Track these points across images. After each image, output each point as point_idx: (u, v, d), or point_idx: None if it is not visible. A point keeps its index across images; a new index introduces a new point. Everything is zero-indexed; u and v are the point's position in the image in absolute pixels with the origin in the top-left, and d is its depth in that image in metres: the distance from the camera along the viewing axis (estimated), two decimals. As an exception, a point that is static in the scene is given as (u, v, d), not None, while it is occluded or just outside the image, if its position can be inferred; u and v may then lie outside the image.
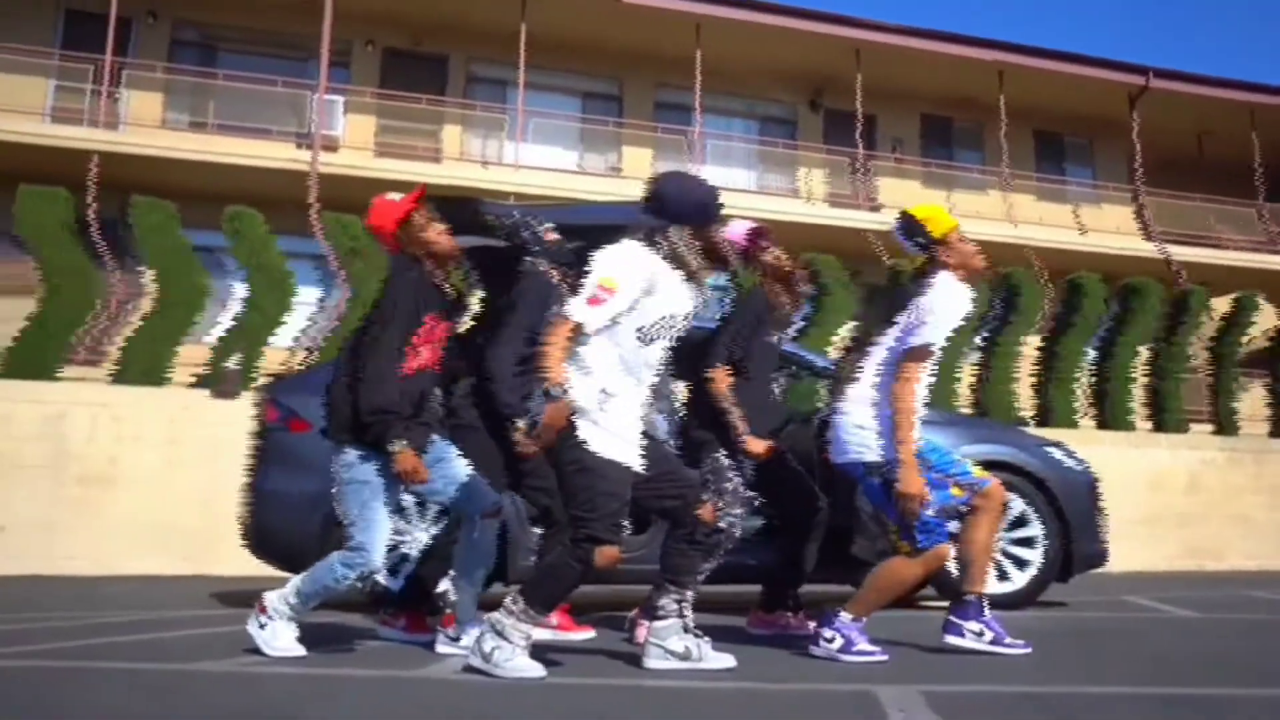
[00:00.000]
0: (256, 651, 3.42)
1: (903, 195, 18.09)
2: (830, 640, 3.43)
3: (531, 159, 16.18)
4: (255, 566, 8.29)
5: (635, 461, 3.08)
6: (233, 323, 11.28)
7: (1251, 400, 16.06)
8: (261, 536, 5.47)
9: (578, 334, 3.03)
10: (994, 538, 3.78)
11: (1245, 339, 15.25)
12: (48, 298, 10.42)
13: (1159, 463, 12.85)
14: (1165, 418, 14.05)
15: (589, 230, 5.39)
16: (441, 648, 3.65)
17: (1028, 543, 5.79)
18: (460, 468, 3.61)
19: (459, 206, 5.45)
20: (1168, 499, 12.55)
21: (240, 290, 13.62)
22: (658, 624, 3.27)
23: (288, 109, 15.26)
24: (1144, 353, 14.24)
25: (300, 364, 13.71)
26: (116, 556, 9.18)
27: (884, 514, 3.60)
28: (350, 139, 15.47)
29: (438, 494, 3.62)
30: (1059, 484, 5.89)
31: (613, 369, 3.07)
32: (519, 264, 4.48)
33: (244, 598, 6.32)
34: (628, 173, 17.00)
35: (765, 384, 4.51)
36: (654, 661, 3.23)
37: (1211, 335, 14.93)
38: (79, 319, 10.61)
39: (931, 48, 17.43)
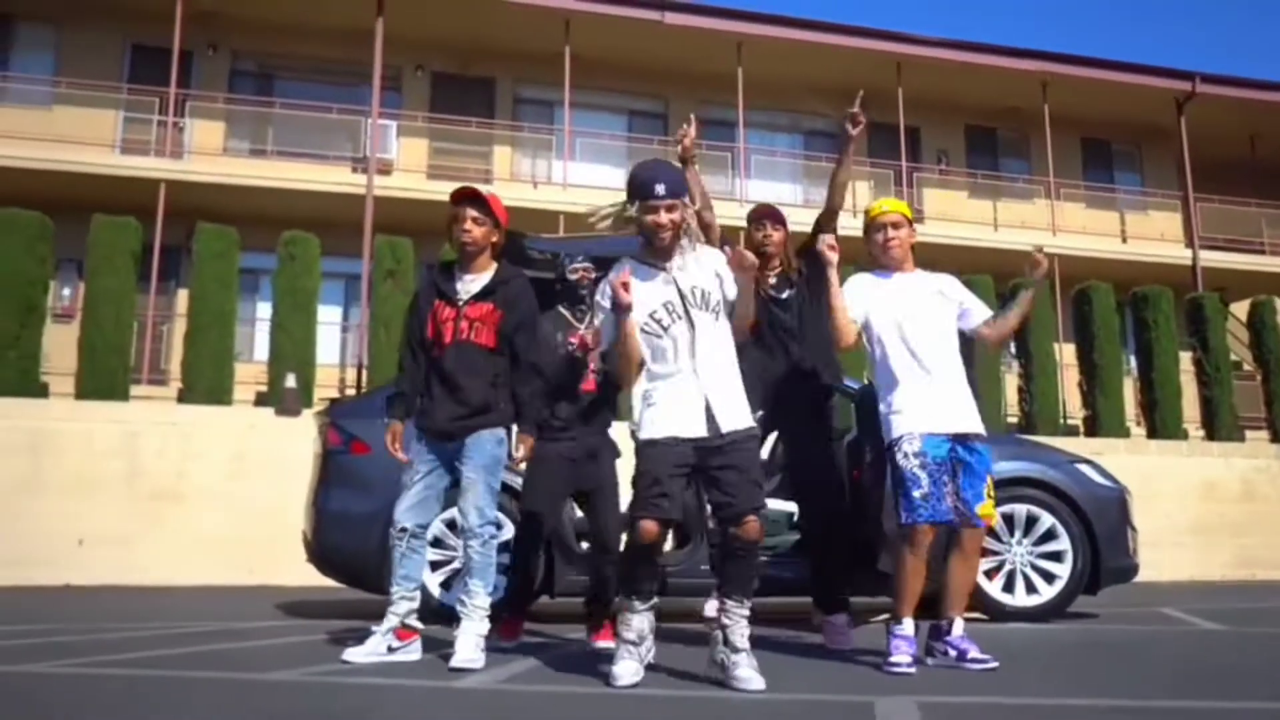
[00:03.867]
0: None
1: (948, 206, 18.20)
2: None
3: (580, 178, 16.54)
4: (315, 578, 8.74)
5: (672, 448, 3.35)
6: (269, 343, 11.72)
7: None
8: (325, 554, 5.83)
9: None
10: (972, 572, 3.99)
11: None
12: (85, 321, 10.97)
13: (1212, 471, 12.77)
14: (1217, 425, 13.99)
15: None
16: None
17: (1056, 557, 5.97)
18: (466, 488, 3.95)
19: (505, 240, 5.79)
20: (1221, 508, 12.49)
21: (263, 311, 14.21)
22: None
23: (342, 134, 15.80)
24: (1186, 360, 14.23)
25: (352, 383, 14.26)
26: (184, 568, 9.65)
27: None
28: (403, 162, 15.99)
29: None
30: (1087, 500, 6.04)
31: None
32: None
33: (307, 608, 6.72)
34: (673, 189, 17.30)
35: None
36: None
37: (1250, 341, 14.90)
38: (120, 340, 11.06)
39: (973, 59, 17.49)
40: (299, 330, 11.43)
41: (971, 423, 3.92)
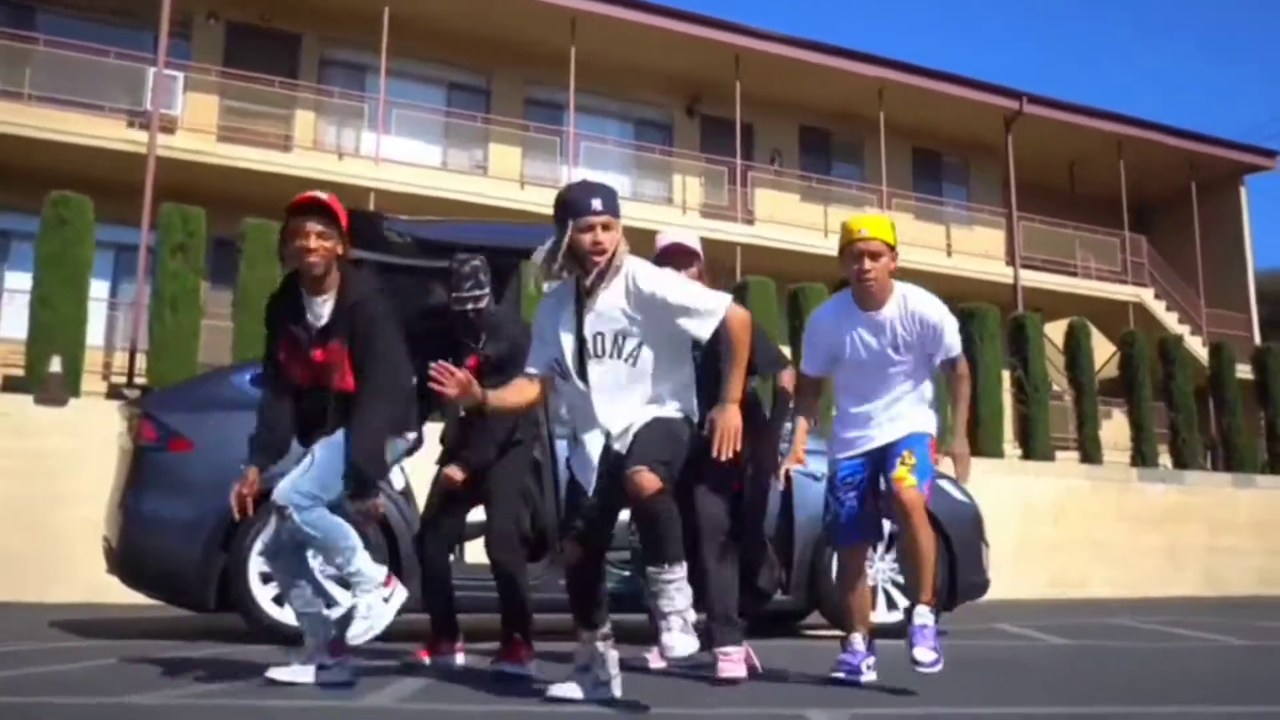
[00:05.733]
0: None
1: (779, 208, 18.98)
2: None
3: (392, 152, 16.21)
4: (89, 592, 8.20)
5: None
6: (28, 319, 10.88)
7: (1113, 428, 17.58)
8: (133, 564, 5.49)
9: None
10: (913, 550, 3.91)
11: (1099, 368, 16.76)
12: None
13: (1027, 491, 13.86)
14: (1034, 444, 15.21)
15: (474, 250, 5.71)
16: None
17: (916, 572, 6.39)
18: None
19: (363, 221, 5.67)
20: (1035, 527, 13.57)
21: (12, 280, 13.22)
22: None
23: (118, 83, 14.83)
24: (1006, 379, 15.43)
25: (121, 368, 13.42)
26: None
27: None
28: (190, 120, 15.18)
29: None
30: (947, 516, 6.49)
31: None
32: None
33: (93, 627, 6.32)
34: (494, 172, 17.24)
35: None
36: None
37: (1066, 363, 16.33)
38: None
39: (811, 59, 18.36)
40: (67, 306, 10.64)
41: (890, 435, 4.00)
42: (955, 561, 6.47)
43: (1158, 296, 21.72)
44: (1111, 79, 67.87)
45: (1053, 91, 22.32)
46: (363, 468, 3.64)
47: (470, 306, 4.45)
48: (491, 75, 18.05)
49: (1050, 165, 21.33)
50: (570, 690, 3.39)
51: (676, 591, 3.22)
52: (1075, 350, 16.17)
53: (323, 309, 3.70)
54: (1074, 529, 13.98)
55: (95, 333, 13.10)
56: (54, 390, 10.09)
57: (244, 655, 4.69)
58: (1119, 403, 17.29)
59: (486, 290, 4.50)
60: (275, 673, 3.71)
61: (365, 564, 3.66)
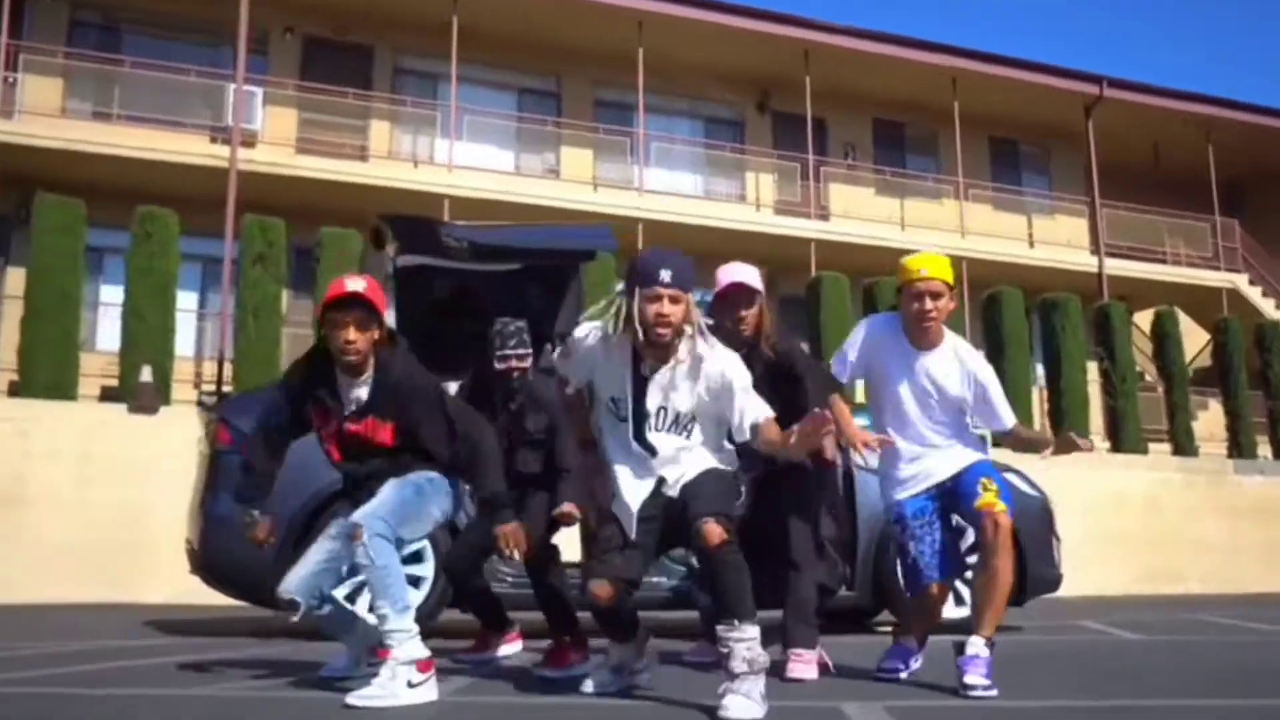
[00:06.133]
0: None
1: (854, 203, 18.85)
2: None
3: (465, 158, 16.50)
4: (180, 592, 8.57)
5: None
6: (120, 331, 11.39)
7: (1209, 419, 17.11)
8: (213, 564, 5.77)
9: None
10: (990, 584, 3.85)
11: (1192, 357, 16.33)
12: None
13: (1117, 484, 13.57)
14: (1123, 437, 14.89)
15: (532, 253, 5.85)
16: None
17: (981, 567, 6.37)
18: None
19: (418, 226, 5.85)
20: (1125, 521, 13.30)
21: (108, 294, 13.77)
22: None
23: (199, 99, 15.38)
24: (1092, 369, 15.13)
25: (211, 377, 13.93)
26: (24, 582, 9.28)
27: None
28: (270, 134, 15.65)
29: None
30: (1015, 510, 6.45)
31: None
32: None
33: (182, 626, 6.63)
34: (567, 175, 17.44)
35: None
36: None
37: (1154, 352, 15.93)
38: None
39: (884, 51, 18.19)
40: (156, 317, 11.14)
41: (951, 467, 4.03)
42: (1024, 556, 6.43)
43: (1253, 282, 21.04)
44: (1194, 59, 65.35)
45: (1134, 74, 21.97)
46: (493, 494, 3.73)
47: (514, 364, 4.55)
48: (561, 79, 18.26)
49: (1134, 150, 20.79)
50: (587, 685, 3.57)
51: (747, 651, 3.15)
52: (1163, 339, 15.81)
53: (360, 390, 3.75)
54: (1167, 523, 13.66)
55: (185, 343, 13.62)
56: (146, 399, 10.56)
57: (312, 653, 4.90)
58: (1214, 392, 16.84)
59: (530, 351, 4.59)
60: (353, 699, 3.37)
61: (404, 625, 3.49)
